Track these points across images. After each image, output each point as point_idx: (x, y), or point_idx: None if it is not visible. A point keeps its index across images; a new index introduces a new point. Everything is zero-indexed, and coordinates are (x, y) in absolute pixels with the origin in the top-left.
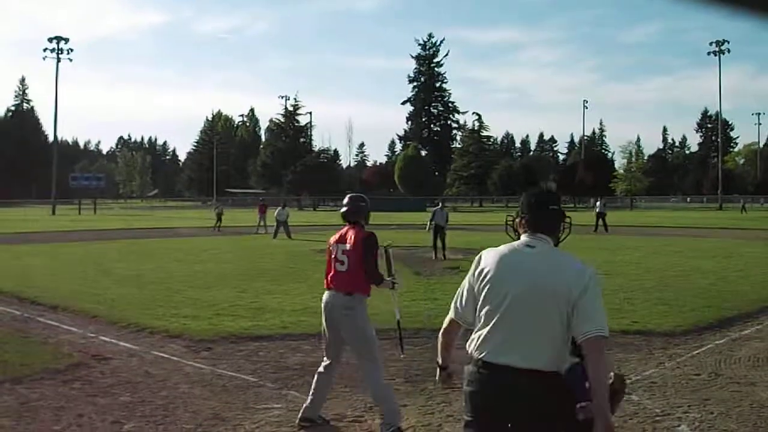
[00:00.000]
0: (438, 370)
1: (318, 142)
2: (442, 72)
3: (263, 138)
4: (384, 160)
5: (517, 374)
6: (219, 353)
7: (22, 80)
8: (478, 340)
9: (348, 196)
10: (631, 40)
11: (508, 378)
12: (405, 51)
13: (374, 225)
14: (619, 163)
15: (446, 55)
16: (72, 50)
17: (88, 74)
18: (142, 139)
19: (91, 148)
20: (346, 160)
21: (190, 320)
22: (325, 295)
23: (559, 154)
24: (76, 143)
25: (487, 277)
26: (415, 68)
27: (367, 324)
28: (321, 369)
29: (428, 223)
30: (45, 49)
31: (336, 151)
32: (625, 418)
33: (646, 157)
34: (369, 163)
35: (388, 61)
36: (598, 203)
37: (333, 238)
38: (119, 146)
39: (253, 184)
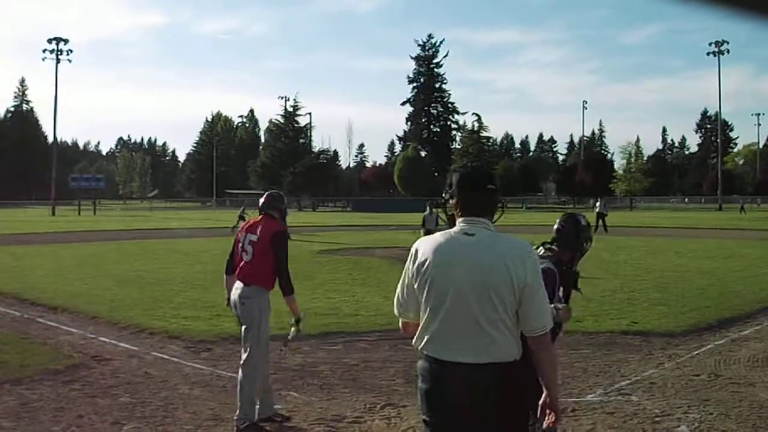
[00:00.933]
0: None
1: (318, 143)
2: (442, 73)
3: (263, 139)
4: (383, 160)
5: (472, 369)
6: (219, 354)
7: (22, 81)
8: (426, 338)
9: (270, 191)
10: (630, 41)
11: (463, 374)
12: (405, 52)
13: (374, 225)
14: (619, 163)
15: (446, 56)
16: (71, 51)
17: (88, 75)
18: (142, 139)
19: (91, 149)
20: (346, 160)
21: (190, 321)
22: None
23: (558, 154)
24: (75, 144)
25: (428, 271)
26: (415, 69)
27: (262, 317)
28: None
29: (421, 231)
30: (44, 50)
31: (336, 152)
32: (624, 418)
33: (645, 158)
34: (368, 164)
35: (388, 62)
36: (598, 203)
37: (241, 228)
38: (119, 147)
39: (252, 185)
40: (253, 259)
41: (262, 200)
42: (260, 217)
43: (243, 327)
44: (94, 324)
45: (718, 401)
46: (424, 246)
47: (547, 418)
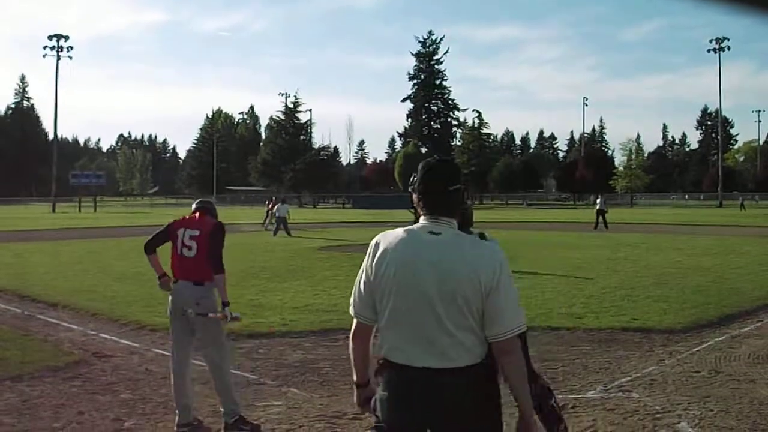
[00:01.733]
0: (354, 389)
1: (318, 140)
2: (442, 69)
3: (263, 135)
4: (384, 157)
5: (439, 374)
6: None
7: (23, 78)
8: (388, 342)
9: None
10: (631, 38)
11: (428, 380)
12: (405, 49)
13: (375, 222)
14: (619, 160)
15: (446, 52)
16: (72, 48)
17: (89, 72)
18: (143, 136)
19: (92, 146)
20: (347, 157)
21: None
22: (174, 287)
23: (559, 151)
24: (76, 141)
25: (390, 270)
26: (415, 66)
27: (216, 313)
28: (173, 373)
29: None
30: (45, 47)
31: (336, 149)
32: (625, 415)
33: (646, 155)
34: (369, 161)
35: (389, 58)
36: (598, 200)
37: (177, 222)
38: (119, 144)
39: (253, 182)
40: (197, 254)
41: (198, 205)
42: (196, 213)
43: (196, 328)
44: (95, 321)
45: (718, 398)
46: (386, 242)
47: None
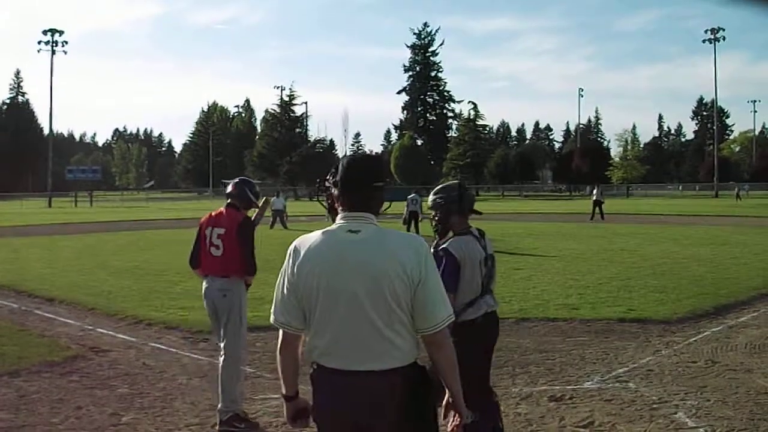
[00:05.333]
0: (284, 402)
1: (314, 132)
2: (438, 61)
3: (259, 128)
4: (380, 149)
5: (373, 377)
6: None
7: (17, 73)
8: (318, 347)
9: (238, 178)
10: (627, 29)
11: (364, 383)
12: (401, 40)
13: None
14: (615, 151)
15: (441, 44)
16: (66, 42)
17: (84, 66)
18: (138, 130)
19: (87, 141)
20: (342, 149)
21: (188, 311)
22: (204, 282)
23: (555, 142)
24: (71, 135)
25: (313, 274)
26: (411, 57)
27: (243, 308)
28: (221, 364)
29: (405, 211)
30: (40, 42)
31: (332, 141)
32: (622, 405)
33: (641, 145)
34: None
35: (384, 50)
36: (594, 191)
37: (204, 219)
38: (115, 138)
39: (249, 175)
40: (224, 253)
41: (231, 189)
42: (224, 208)
43: (222, 320)
44: (92, 315)
45: (715, 388)
46: (305, 246)
47: (452, 420)
